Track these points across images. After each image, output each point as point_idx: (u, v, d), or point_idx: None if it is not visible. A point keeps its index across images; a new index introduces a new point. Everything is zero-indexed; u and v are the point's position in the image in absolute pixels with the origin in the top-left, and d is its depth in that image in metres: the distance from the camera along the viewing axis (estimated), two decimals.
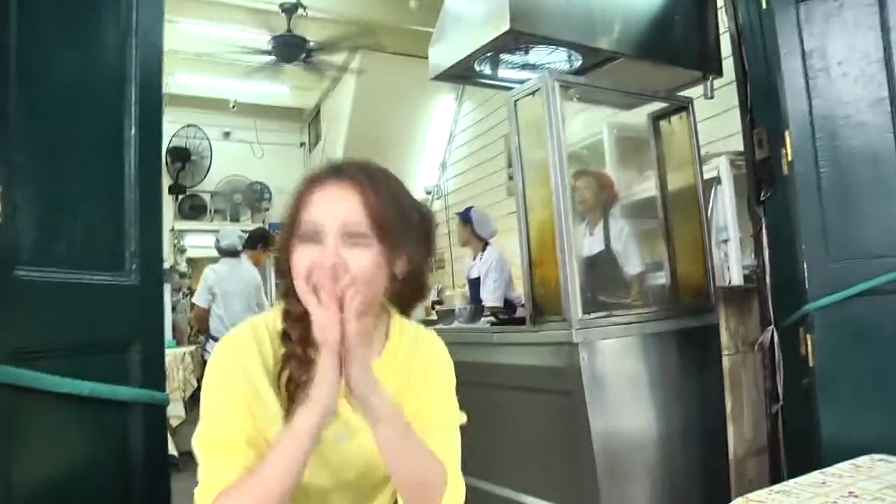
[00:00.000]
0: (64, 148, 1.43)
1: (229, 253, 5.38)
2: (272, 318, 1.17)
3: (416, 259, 1.17)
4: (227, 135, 8.48)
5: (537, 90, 2.75)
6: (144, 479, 1.40)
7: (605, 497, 2.61)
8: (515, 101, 2.88)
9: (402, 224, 1.12)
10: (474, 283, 5.05)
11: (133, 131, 1.54)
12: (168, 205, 7.97)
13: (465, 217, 5.15)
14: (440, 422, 1.24)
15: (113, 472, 1.23)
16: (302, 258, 1.07)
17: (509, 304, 4.82)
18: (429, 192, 8.11)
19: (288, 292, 1.13)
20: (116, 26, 1.58)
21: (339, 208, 1.08)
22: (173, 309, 6.21)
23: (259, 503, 1.00)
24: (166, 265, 7.75)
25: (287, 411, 1.08)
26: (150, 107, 1.61)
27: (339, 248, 1.06)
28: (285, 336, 1.11)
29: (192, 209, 8.17)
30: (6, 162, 1.25)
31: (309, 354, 1.09)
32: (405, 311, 1.27)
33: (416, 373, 1.24)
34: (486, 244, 5.09)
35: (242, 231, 5.81)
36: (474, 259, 5.16)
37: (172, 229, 8.01)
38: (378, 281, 1.11)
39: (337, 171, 1.12)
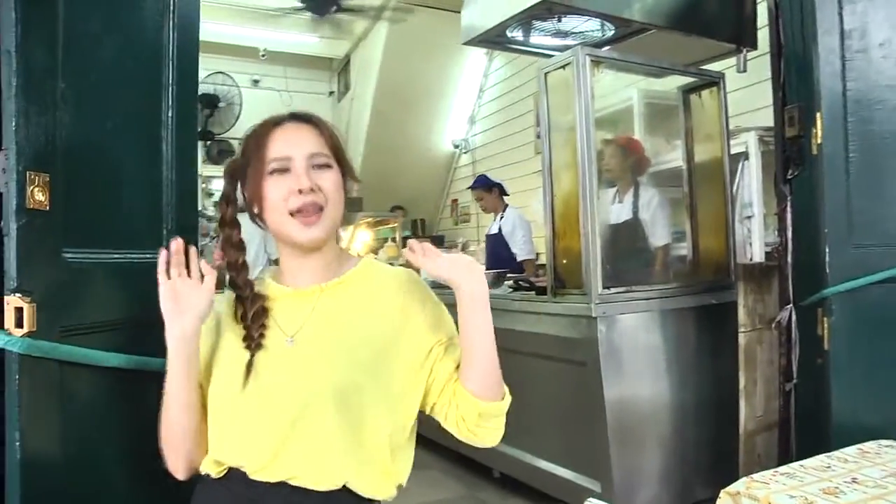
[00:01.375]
0: (105, 128, 1.48)
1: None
2: None
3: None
4: (256, 82, 8.49)
5: (568, 64, 2.74)
6: None
7: (615, 465, 2.70)
8: (546, 73, 2.87)
9: (345, 158, 1.30)
10: (495, 239, 5.16)
11: (170, 114, 1.59)
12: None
13: (490, 183, 5.31)
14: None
15: (152, 437, 1.31)
16: (277, 189, 1.21)
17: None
18: (456, 146, 8.10)
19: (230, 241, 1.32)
20: (156, 5, 1.62)
21: (303, 140, 1.24)
22: (201, 253, 6.41)
23: (165, 419, 1.21)
24: None
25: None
26: (187, 88, 1.66)
27: (308, 172, 1.22)
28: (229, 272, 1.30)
29: (221, 154, 8.23)
30: (54, 149, 1.32)
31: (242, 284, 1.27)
32: None
33: (406, 301, 1.30)
34: (506, 205, 5.29)
35: None
36: (495, 219, 5.35)
37: (200, 174, 8.13)
38: (341, 199, 1.28)
39: (293, 115, 1.29)
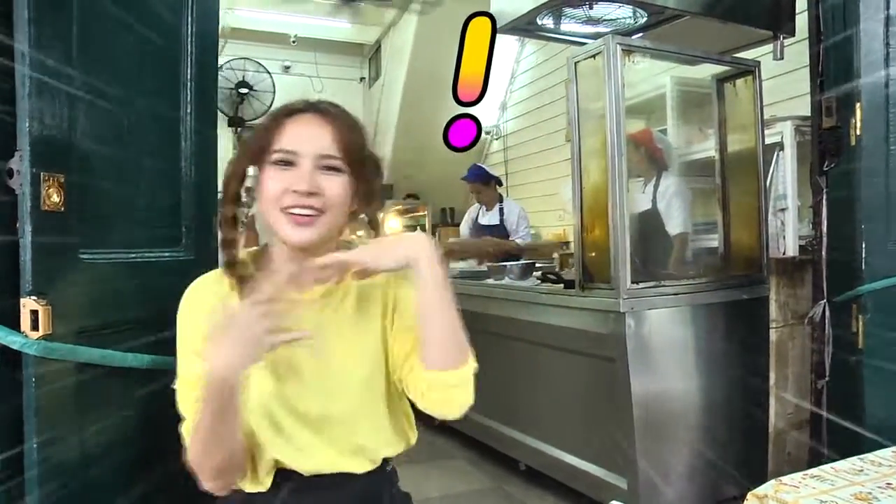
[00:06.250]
0: (122, 126, 1.47)
1: None
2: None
3: (371, 196, 1.24)
4: (287, 69, 8.46)
5: (598, 53, 2.68)
6: None
7: (641, 462, 2.66)
8: (576, 62, 2.81)
9: (364, 160, 1.20)
10: (496, 230, 5.23)
11: (189, 110, 1.58)
12: (228, 136, 8.12)
13: (489, 176, 5.37)
14: None
15: (171, 433, 1.31)
16: (276, 181, 1.13)
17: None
18: (487, 133, 8.01)
19: (227, 218, 1.20)
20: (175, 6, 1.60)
21: (315, 138, 1.14)
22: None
23: (204, 451, 1.09)
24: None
25: None
26: (206, 83, 1.64)
27: (313, 174, 1.13)
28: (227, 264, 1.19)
29: None
30: (69, 149, 1.31)
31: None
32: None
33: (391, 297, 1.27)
34: (500, 196, 5.43)
35: None
36: (488, 210, 5.38)
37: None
38: (345, 205, 1.18)
39: (313, 105, 1.19)
